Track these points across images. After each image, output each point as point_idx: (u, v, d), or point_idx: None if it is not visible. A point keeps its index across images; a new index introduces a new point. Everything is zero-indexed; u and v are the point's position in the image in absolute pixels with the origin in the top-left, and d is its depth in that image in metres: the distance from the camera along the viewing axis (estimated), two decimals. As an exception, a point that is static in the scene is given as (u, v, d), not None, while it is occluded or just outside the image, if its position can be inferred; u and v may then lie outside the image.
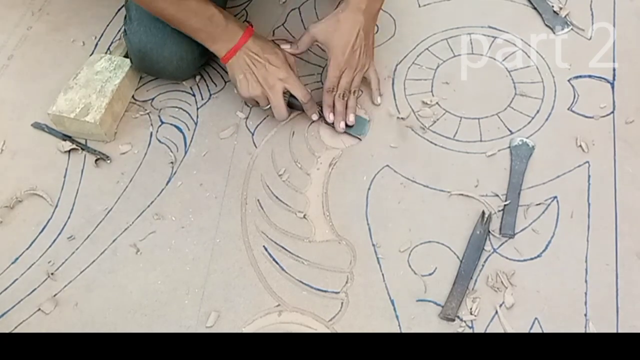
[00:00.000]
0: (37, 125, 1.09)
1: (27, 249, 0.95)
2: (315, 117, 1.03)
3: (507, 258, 0.91)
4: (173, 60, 1.04)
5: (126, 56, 1.12)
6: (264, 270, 0.92)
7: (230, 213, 0.97)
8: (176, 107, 1.10)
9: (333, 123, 1.03)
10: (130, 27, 1.03)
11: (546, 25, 1.15)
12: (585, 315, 0.85)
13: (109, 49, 1.18)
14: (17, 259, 0.94)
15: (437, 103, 1.07)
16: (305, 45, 1.01)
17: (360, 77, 1.02)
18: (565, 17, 1.16)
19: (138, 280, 0.92)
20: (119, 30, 1.21)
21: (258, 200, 0.98)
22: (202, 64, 1.10)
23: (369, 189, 0.98)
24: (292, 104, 1.02)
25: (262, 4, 1.20)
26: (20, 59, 1.19)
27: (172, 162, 1.03)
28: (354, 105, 1.03)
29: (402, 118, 1.05)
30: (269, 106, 1.00)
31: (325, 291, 0.90)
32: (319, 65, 1.12)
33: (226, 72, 1.04)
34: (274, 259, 0.93)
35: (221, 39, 0.97)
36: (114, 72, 1.08)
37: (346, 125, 1.02)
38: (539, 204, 0.95)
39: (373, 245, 0.93)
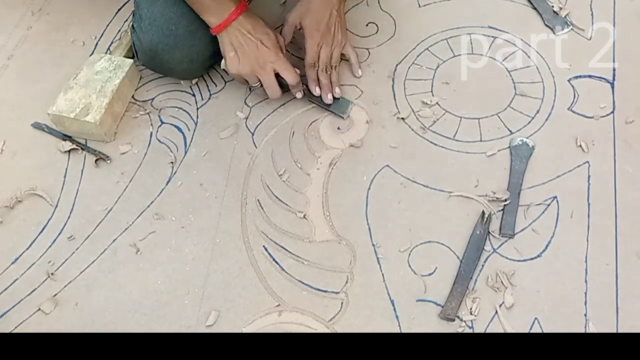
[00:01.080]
0: (37, 125, 1.09)
1: (27, 249, 0.95)
2: (299, 95, 1.06)
3: (507, 258, 0.91)
4: (183, 63, 1.04)
5: (126, 56, 1.13)
6: (264, 270, 0.92)
7: (230, 213, 0.97)
8: (176, 107, 1.10)
9: (319, 96, 1.05)
10: (140, 25, 1.02)
11: (546, 25, 1.15)
12: (585, 315, 0.85)
13: (109, 49, 1.18)
14: (17, 259, 0.94)
15: (437, 103, 1.07)
16: (289, 34, 1.06)
17: (339, 53, 1.06)
18: (565, 17, 1.16)
19: (138, 280, 0.92)
20: (119, 30, 1.21)
21: (258, 200, 0.98)
22: (211, 64, 1.11)
23: (369, 189, 0.98)
24: (280, 83, 1.03)
25: (262, 4, 1.20)
26: (20, 59, 1.19)
27: (172, 162, 1.03)
28: (337, 79, 1.07)
29: (402, 118, 1.05)
30: (257, 84, 1.03)
31: (325, 291, 0.90)
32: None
33: (226, 72, 1.04)
34: (274, 259, 0.93)
35: (212, 10, 0.98)
36: (114, 72, 1.08)
37: (334, 98, 1.05)
38: (539, 204, 0.95)
39: (373, 245, 0.93)
